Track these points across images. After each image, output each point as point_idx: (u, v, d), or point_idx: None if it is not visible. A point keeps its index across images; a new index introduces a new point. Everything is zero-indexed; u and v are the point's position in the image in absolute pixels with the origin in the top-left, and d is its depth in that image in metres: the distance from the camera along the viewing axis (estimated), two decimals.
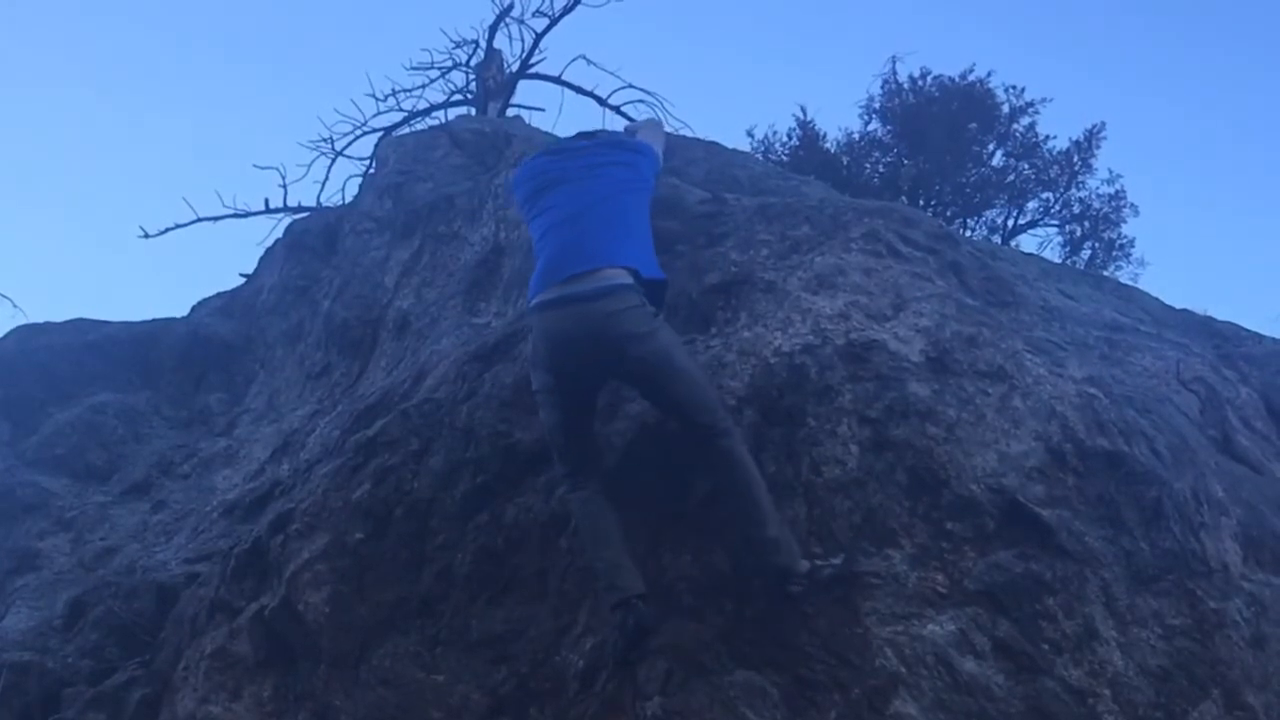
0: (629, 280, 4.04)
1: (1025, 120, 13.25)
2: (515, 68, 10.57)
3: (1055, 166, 13.34)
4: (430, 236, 6.87)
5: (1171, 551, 3.62)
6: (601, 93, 10.34)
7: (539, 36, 10.52)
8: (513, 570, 4.15)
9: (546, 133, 7.70)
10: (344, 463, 4.77)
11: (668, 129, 6.41)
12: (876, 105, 13.44)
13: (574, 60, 10.61)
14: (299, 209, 9.48)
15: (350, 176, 18.50)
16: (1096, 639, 3.44)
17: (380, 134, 9.44)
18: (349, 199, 8.91)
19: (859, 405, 3.90)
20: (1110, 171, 13.54)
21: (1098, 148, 13.27)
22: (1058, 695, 3.34)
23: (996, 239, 12.81)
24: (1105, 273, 11.60)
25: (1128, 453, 3.78)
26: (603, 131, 5.09)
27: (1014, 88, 13.25)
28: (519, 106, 10.53)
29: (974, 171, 13.31)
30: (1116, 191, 13.32)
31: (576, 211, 4.29)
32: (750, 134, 13.84)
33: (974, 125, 13.16)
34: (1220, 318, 5.55)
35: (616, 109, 10.25)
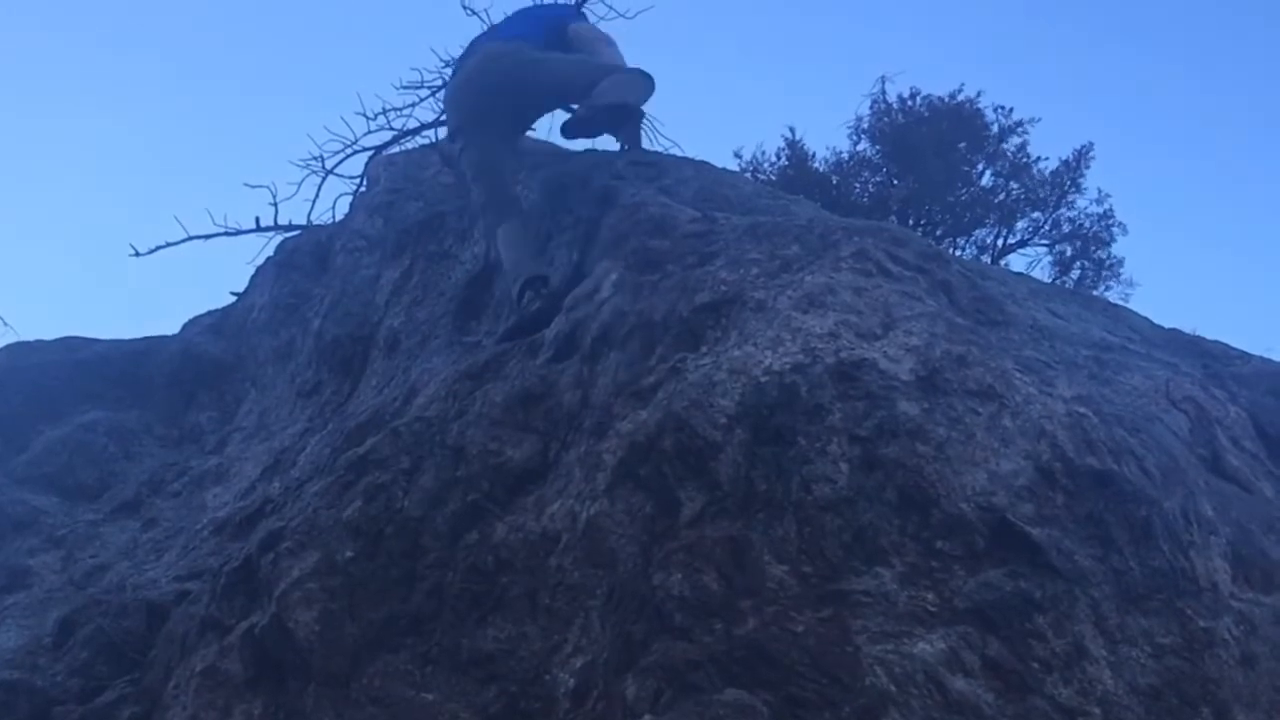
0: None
1: (1015, 140, 13.36)
2: None
3: (1045, 186, 13.43)
4: (421, 255, 6.88)
5: (1161, 570, 3.62)
6: None
7: None
8: (503, 589, 4.14)
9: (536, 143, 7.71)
10: (334, 481, 4.76)
11: (656, 148, 6.43)
12: (865, 125, 13.53)
13: None
14: (290, 227, 9.44)
15: (341, 195, 18.41)
16: (1086, 657, 3.43)
17: (371, 152, 9.40)
18: (340, 217, 8.92)
19: (849, 424, 3.90)
20: (1099, 191, 13.68)
21: (1087, 168, 13.39)
22: (1048, 714, 3.33)
23: (986, 258, 12.87)
24: (1095, 292, 11.66)
25: (1117, 471, 3.78)
26: None
27: (1003, 108, 13.37)
28: None
29: (963, 191, 13.39)
30: (1105, 211, 13.43)
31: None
32: (738, 155, 13.92)
33: (963, 145, 13.24)
34: (1210, 338, 5.56)
35: None
